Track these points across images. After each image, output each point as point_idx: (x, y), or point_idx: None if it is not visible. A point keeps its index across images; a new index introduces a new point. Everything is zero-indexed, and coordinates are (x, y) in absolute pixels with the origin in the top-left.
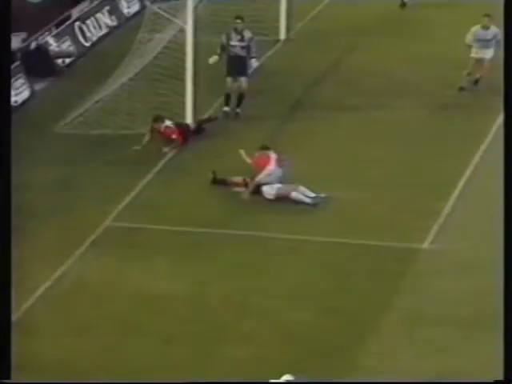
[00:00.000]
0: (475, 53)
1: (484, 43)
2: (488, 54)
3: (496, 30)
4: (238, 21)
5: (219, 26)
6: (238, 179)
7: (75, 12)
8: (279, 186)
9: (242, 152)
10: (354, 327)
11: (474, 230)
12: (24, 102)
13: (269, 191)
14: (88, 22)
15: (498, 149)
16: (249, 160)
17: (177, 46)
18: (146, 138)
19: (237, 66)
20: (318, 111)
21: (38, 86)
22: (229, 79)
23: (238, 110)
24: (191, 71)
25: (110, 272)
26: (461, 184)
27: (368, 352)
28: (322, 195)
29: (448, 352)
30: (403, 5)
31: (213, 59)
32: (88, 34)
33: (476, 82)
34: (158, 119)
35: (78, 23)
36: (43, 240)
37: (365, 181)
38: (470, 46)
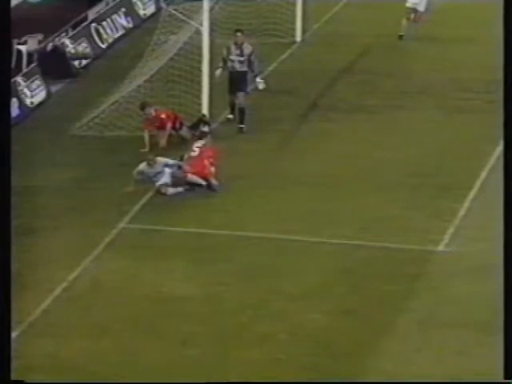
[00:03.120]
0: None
1: None
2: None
3: None
4: (238, 34)
5: (235, 28)
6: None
7: (91, 13)
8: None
9: None
10: (368, 329)
11: (489, 232)
12: (40, 104)
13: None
14: (104, 23)
15: None
16: None
17: (192, 47)
18: (146, 135)
19: (235, 81)
20: (334, 113)
21: (55, 88)
22: (229, 95)
23: (242, 126)
24: (207, 73)
25: (125, 273)
26: (476, 186)
27: (383, 354)
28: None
29: (463, 355)
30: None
31: (218, 72)
32: (104, 36)
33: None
34: (145, 105)
35: (94, 25)
36: (59, 241)
37: (380, 182)
38: None
